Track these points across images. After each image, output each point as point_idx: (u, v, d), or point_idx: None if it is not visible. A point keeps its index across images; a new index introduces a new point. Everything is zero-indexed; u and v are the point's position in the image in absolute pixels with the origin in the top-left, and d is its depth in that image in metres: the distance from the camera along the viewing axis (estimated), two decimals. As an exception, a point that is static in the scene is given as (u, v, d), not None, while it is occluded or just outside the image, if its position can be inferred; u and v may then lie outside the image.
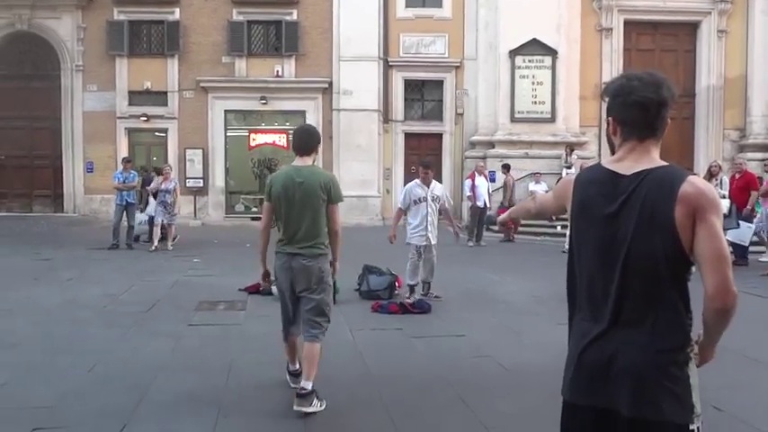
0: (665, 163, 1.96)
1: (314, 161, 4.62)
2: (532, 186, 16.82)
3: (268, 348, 5.92)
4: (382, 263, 8.53)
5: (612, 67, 18.56)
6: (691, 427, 1.84)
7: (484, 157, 17.65)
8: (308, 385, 4.28)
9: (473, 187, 14.31)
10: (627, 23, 18.76)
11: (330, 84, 18.57)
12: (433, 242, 8.02)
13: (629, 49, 18.97)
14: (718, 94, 18.86)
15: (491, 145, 18.10)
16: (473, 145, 18.53)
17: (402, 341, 6.20)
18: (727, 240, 10.31)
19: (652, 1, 18.51)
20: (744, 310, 6.56)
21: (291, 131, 18.64)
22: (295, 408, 4.20)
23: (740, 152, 18.47)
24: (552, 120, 17.98)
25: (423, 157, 18.91)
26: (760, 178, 12.14)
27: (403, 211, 8.16)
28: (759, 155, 18.11)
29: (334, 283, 7.74)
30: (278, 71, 18.57)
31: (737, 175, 11.86)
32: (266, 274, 4.68)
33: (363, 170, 17.85)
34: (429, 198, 7.91)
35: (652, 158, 1.97)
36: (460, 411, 4.33)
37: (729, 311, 1.86)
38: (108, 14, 18.57)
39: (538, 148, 17.68)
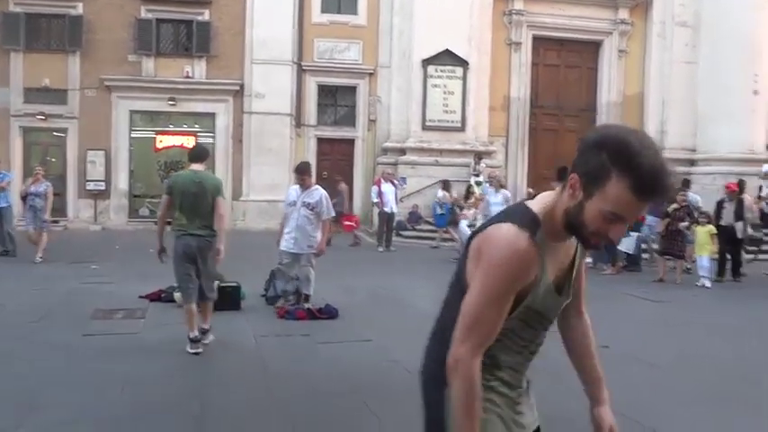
0: None
1: (205, 168, 6.24)
2: (441, 193, 17.12)
3: (168, 358, 5.70)
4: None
5: (521, 80, 19.18)
6: None
7: (395, 164, 17.79)
8: (207, 325, 6.04)
9: (380, 193, 14.41)
10: (535, 39, 19.42)
11: (242, 86, 18.22)
12: (304, 251, 7.35)
13: (537, 64, 19.64)
14: (618, 110, 19.83)
15: (402, 152, 18.28)
16: (385, 151, 18.65)
17: (308, 347, 6.12)
18: (618, 249, 10.84)
19: (559, 19, 19.24)
20: (636, 314, 6.92)
21: (200, 133, 18.49)
22: (203, 341, 5.80)
23: (636, 165, 19.48)
24: (462, 129, 18.35)
25: (335, 162, 19.07)
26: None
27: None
28: (653, 168, 19.20)
29: (239, 289, 7.68)
30: (188, 72, 18.04)
31: None
32: (162, 250, 5.95)
33: (274, 174, 17.56)
34: (299, 204, 7.34)
35: None
36: (365, 417, 4.30)
37: (449, 373, 1.63)
38: (3, 6, 17.48)
39: (448, 155, 17.99)
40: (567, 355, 1.98)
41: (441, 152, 18.03)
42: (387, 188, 14.49)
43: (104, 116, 17.83)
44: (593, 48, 20.03)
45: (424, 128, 18.24)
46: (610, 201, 1.51)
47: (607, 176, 1.50)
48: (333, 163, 19.05)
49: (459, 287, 1.72)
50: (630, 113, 19.72)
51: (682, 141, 19.27)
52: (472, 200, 16.09)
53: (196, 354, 5.69)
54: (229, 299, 7.57)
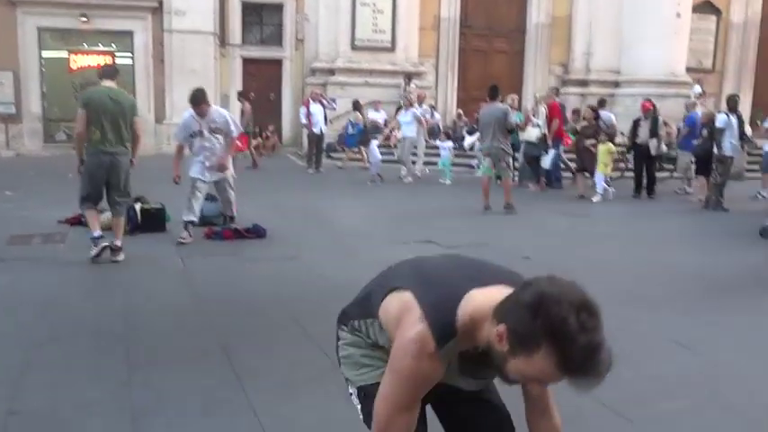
0: None
1: (117, 85, 6.23)
2: (372, 114, 16.99)
3: (90, 281, 5.59)
4: (213, 189, 8.24)
5: (450, 0, 18.90)
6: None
7: (324, 85, 17.46)
8: (119, 242, 6.11)
9: (308, 114, 14.17)
10: (465, -44, 19.08)
11: (160, 3, 17.22)
12: (217, 178, 7.20)
13: (467, -17, 19.37)
14: (546, 32, 19.91)
15: (332, 72, 17.93)
16: (314, 72, 18.24)
17: (235, 266, 6.11)
18: (542, 168, 11.19)
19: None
20: (556, 228, 7.16)
21: (118, 53, 17.52)
22: (112, 259, 6.01)
23: (563, 86, 19.81)
24: (392, 49, 18.09)
25: (263, 83, 18.53)
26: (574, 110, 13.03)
27: (182, 147, 7.22)
28: (578, 89, 19.57)
29: (164, 210, 7.52)
30: (100, -14, 16.89)
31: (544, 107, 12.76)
32: (82, 162, 6.02)
33: (199, 96, 16.95)
34: (206, 131, 7.00)
35: None
36: (291, 329, 4.36)
37: None
38: None
39: (378, 76, 17.77)
40: None
41: (370, 73, 17.78)
42: (315, 109, 14.24)
43: (9, 34, 16.60)
44: (526, -33, 19.84)
45: (354, 48, 17.88)
46: (534, 369, 1.44)
47: (536, 346, 1.41)
48: (260, 84, 18.52)
49: (378, 289, 1.82)
50: (558, 35, 19.87)
51: (607, 63, 19.63)
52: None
53: (97, 255, 5.99)
54: (154, 221, 7.43)
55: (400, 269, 1.84)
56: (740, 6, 20.86)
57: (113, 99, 5.96)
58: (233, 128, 7.15)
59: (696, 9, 19.58)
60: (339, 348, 1.99)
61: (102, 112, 5.87)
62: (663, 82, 18.43)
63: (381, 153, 13.34)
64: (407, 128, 13.01)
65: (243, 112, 14.45)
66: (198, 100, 6.92)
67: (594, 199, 11.02)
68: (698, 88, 18.14)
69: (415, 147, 13.61)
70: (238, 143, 13.26)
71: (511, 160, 9.82)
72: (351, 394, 1.93)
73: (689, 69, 19.66)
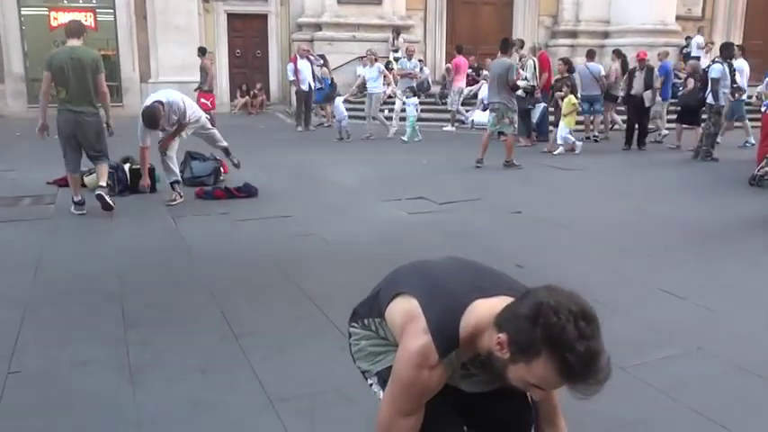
0: None
1: (83, 43, 6.30)
2: (360, 70, 16.77)
3: (81, 241, 5.57)
4: (205, 149, 8.18)
5: (438, -51, 18.50)
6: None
7: (311, 40, 17.18)
8: (103, 182, 6.35)
9: (296, 71, 13.95)
10: None
11: (141, -44, 16.78)
12: (192, 131, 7.17)
13: (455, -67, 18.94)
14: (535, -18, 19.60)
15: (318, 27, 17.62)
16: (300, 27, 17.91)
17: (227, 225, 6.10)
18: (531, 121, 11.12)
19: None
20: (547, 181, 7.18)
21: (99, 10, 17.10)
22: (106, 200, 6.24)
23: (552, 38, 19.60)
24: (379, 2, 17.76)
25: (248, 40, 18.20)
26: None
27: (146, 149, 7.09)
28: (568, 41, 19.37)
29: (153, 171, 7.47)
30: (79, -61, 16.40)
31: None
32: (44, 126, 6.28)
33: (183, 53, 16.54)
34: (167, 128, 6.91)
35: None
36: (285, 286, 4.39)
37: None
38: None
39: (365, 31, 17.48)
40: None
41: (358, 27, 17.49)
42: (303, 65, 14.01)
43: (-14, -9, 16.16)
44: None
45: (340, 2, 17.55)
46: (534, 376, 1.49)
47: (536, 354, 1.45)
48: (246, 41, 18.21)
49: (380, 295, 1.90)
50: (548, -15, 19.55)
51: (596, 13, 19.40)
52: (391, 76, 15.92)
53: (81, 215, 6.29)
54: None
55: (407, 272, 1.90)
56: (730, -50, 20.59)
57: (75, 58, 6.07)
58: (186, 117, 6.88)
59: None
60: (351, 345, 2.04)
61: (65, 72, 6.03)
62: (652, 31, 18.27)
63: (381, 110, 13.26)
64: (373, 84, 12.84)
65: (202, 69, 14.12)
66: (154, 123, 6.63)
67: (555, 152, 10.95)
68: (700, 38, 18.01)
69: (404, 103, 13.49)
70: (203, 101, 13.13)
71: (515, 116, 9.69)
72: (371, 385, 1.98)
73: (678, 18, 19.48)
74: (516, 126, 9.92)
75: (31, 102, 16.99)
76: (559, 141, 11.15)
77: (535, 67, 12.23)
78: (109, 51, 17.24)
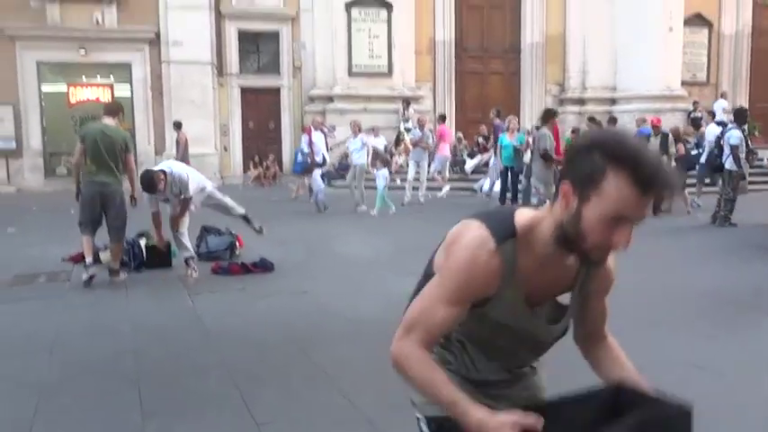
0: None
1: (117, 123, 6.82)
2: (371, 141, 16.96)
3: (98, 318, 5.50)
4: (220, 223, 8.19)
5: (445, 23, 19.04)
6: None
7: (323, 112, 17.51)
8: (116, 265, 6.75)
9: (310, 143, 14.09)
10: (458, -21, 19.26)
11: (157, 34, 17.34)
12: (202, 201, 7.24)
13: (461, 6, 19.52)
14: (541, 51, 20.05)
15: (330, 99, 17.98)
16: (312, 99, 18.30)
17: (244, 302, 6.02)
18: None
19: (481, -41, 19.13)
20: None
21: (117, 84, 17.57)
22: (111, 280, 6.63)
23: (560, 105, 19.88)
24: (389, 74, 18.19)
25: (261, 112, 18.57)
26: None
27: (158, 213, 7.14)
28: (576, 108, 19.64)
29: (170, 245, 7.45)
30: (98, 19, 17.01)
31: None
32: (79, 192, 6.67)
33: (198, 127, 16.95)
34: (171, 197, 6.93)
35: None
36: (308, 368, 4.27)
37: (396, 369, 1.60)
38: None
39: (376, 102, 17.83)
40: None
41: (369, 99, 17.85)
42: (317, 137, 14.18)
43: (9, 68, 16.69)
44: (516, -12, 20.04)
45: (351, 74, 17.96)
46: (610, 200, 1.37)
47: (603, 174, 1.36)
48: (259, 113, 18.60)
49: (427, 274, 1.66)
50: (553, 54, 20.00)
51: (603, 80, 19.74)
52: (402, 146, 16.13)
53: (88, 281, 6.48)
54: (160, 256, 7.34)
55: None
56: (731, 18, 21.03)
57: (107, 134, 6.59)
58: (189, 191, 6.83)
59: (687, 23, 19.74)
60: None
61: (95, 146, 6.51)
62: (659, 97, 18.52)
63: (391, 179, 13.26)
64: (358, 154, 12.81)
65: (178, 143, 14.40)
66: (151, 187, 6.64)
67: None
68: (725, 103, 18.25)
69: (418, 172, 13.59)
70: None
71: (541, 186, 10.11)
72: (417, 419, 1.77)
73: (684, 83, 19.79)
74: (542, 195, 9.97)
75: (48, 176, 17.30)
76: None
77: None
78: (124, 125, 17.63)
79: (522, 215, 1.55)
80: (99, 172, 6.52)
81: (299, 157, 14.08)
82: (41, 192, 16.13)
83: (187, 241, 7.07)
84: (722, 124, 13.66)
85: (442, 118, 15.34)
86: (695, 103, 19.40)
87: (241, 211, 7.57)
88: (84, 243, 6.63)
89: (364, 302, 5.88)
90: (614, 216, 1.38)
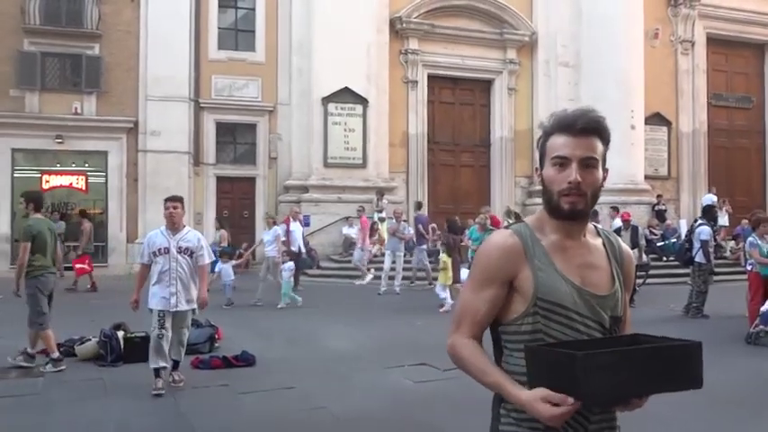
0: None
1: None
2: (346, 230, 17.15)
3: (73, 415, 5.31)
4: (199, 314, 8.06)
5: (418, 117, 19.69)
6: None
7: (298, 202, 17.65)
8: (32, 350, 6.94)
9: (288, 232, 14.18)
10: (430, 77, 20.04)
11: (136, 123, 17.55)
12: (185, 307, 6.15)
13: (433, 101, 20.26)
14: (510, 145, 20.76)
15: (305, 189, 18.20)
16: (287, 189, 18.50)
17: (228, 399, 5.87)
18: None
19: (452, 59, 19.99)
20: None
21: (91, 173, 17.56)
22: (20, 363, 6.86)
23: (529, 197, 20.43)
24: (363, 165, 18.55)
25: (236, 201, 18.67)
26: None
27: (147, 267, 6.26)
28: (546, 199, 20.19)
29: (149, 339, 7.26)
30: (76, 108, 17.19)
31: None
32: (18, 288, 6.92)
33: (173, 215, 16.89)
34: (174, 249, 6.09)
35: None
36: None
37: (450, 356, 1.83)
38: None
39: (350, 192, 18.08)
40: None
41: (343, 189, 18.11)
42: (295, 227, 14.31)
43: (-19, 155, 16.59)
44: (485, 86, 20.93)
45: (326, 165, 18.29)
46: (551, 151, 1.76)
47: (545, 142, 1.79)
48: (233, 201, 18.69)
49: None
50: (521, 148, 20.69)
51: (570, 174, 20.39)
52: (376, 236, 16.30)
53: (59, 371, 6.60)
54: (139, 350, 7.15)
55: None
56: (687, 117, 22.15)
57: (50, 228, 7.16)
58: (207, 253, 6.37)
59: (648, 121, 20.84)
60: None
61: (45, 241, 6.94)
62: (624, 190, 19.16)
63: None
64: (270, 247, 12.63)
65: (82, 232, 14.47)
66: (176, 198, 6.31)
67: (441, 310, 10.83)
68: (713, 197, 18.99)
69: (394, 261, 13.70)
70: (80, 266, 13.28)
71: None
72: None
73: (647, 177, 20.59)
74: None
75: (13, 262, 16.90)
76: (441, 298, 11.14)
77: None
78: (96, 210, 17.54)
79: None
80: (50, 264, 7.01)
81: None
82: (7, 278, 15.68)
83: (185, 337, 6.44)
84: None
85: (419, 205, 15.84)
86: (659, 196, 20.15)
87: (180, 357, 6.48)
88: (51, 337, 6.83)
89: (352, 399, 5.81)
90: (556, 161, 1.75)
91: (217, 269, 12.15)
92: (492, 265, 1.75)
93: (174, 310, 6.07)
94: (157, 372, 5.99)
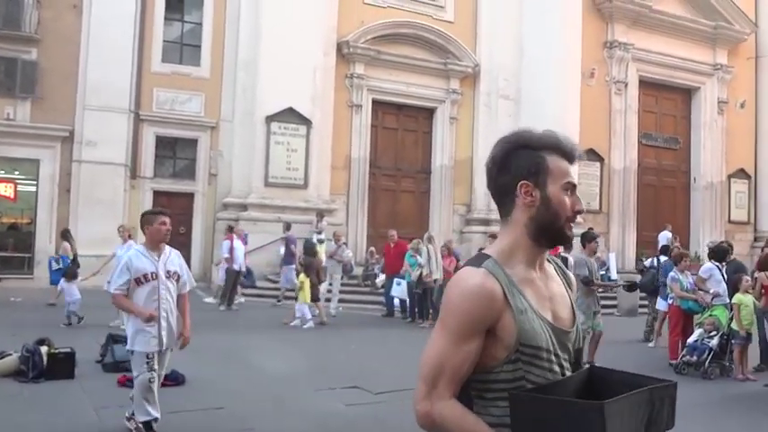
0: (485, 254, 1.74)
1: None
2: (283, 251, 17.03)
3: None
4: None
5: (361, 141, 19.84)
6: None
7: (237, 220, 17.44)
8: None
9: (231, 249, 14.04)
10: (375, 102, 20.26)
11: (72, 132, 17.05)
12: (174, 344, 5.28)
13: (376, 126, 20.47)
14: (450, 173, 21.13)
15: (244, 207, 18.03)
16: (226, 207, 18.28)
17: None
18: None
19: (397, 85, 20.30)
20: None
21: (20, 181, 16.93)
22: None
23: (467, 225, 20.81)
24: (305, 186, 18.53)
25: (173, 217, 18.10)
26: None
27: (125, 297, 5.06)
28: (481, 228, 20.58)
29: (74, 355, 7.08)
30: (8, 114, 16.59)
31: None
32: None
33: (105, 228, 16.36)
34: (162, 274, 5.06)
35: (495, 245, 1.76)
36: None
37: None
38: None
39: (290, 213, 17.99)
40: None
41: (283, 209, 18.01)
42: (238, 245, 14.17)
43: None
44: (428, 113, 21.29)
45: (267, 184, 18.18)
46: (559, 173, 1.71)
47: (543, 160, 1.69)
48: (171, 217, 18.26)
49: None
50: (461, 176, 21.08)
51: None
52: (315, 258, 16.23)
53: None
54: (62, 366, 6.95)
55: None
56: (619, 154, 23.06)
57: None
58: (189, 279, 5.42)
59: (582, 156, 21.54)
60: None
61: None
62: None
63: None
64: (118, 261, 11.81)
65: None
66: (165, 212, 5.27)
67: (292, 324, 11.56)
68: (669, 233, 19.75)
69: (331, 284, 13.72)
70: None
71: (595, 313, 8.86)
72: None
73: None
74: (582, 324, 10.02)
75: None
76: (297, 314, 11.69)
77: (429, 254, 12.90)
78: (23, 220, 16.92)
79: (488, 249, 1.76)
80: None
81: (54, 265, 12.71)
82: None
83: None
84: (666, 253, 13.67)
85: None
86: (590, 229, 20.80)
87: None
88: None
89: (283, 421, 5.78)
90: (566, 185, 1.71)
91: (59, 287, 11.43)
92: (473, 315, 1.57)
93: (165, 348, 5.09)
94: (149, 426, 4.98)
